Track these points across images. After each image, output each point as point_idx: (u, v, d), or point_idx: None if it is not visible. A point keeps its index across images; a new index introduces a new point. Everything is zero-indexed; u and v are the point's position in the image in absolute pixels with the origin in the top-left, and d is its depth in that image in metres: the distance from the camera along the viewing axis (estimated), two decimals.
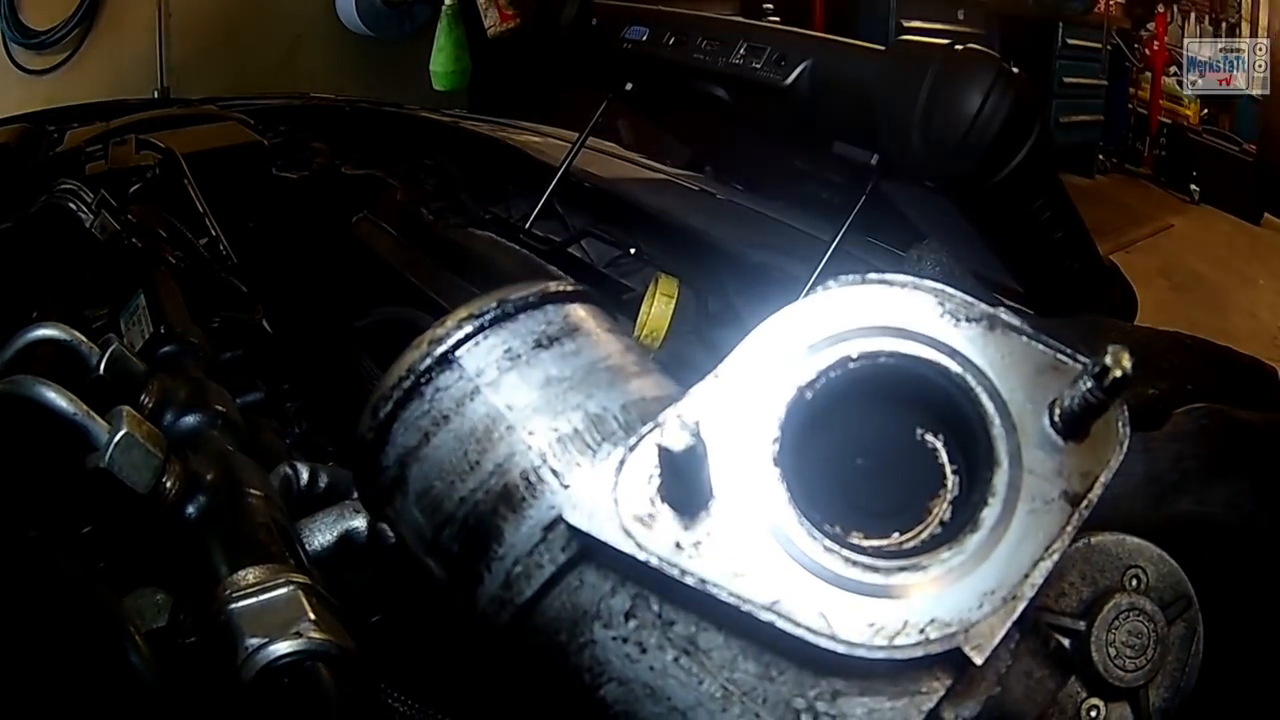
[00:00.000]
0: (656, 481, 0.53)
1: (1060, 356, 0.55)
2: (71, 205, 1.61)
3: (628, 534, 0.53)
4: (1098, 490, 0.53)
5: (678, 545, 0.52)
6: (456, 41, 5.80)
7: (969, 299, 0.57)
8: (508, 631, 0.60)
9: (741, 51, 1.98)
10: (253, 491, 0.94)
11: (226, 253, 1.92)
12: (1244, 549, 0.99)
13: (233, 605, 0.77)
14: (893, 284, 0.57)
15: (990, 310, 0.56)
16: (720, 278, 2.06)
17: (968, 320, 0.56)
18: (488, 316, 0.65)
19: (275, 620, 0.75)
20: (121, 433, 0.87)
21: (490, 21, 5.70)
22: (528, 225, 2.33)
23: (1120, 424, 0.54)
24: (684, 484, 0.52)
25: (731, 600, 0.51)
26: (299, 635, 0.74)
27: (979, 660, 0.49)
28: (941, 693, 0.52)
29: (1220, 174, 9.38)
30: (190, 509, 0.92)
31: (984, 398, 0.54)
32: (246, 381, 1.42)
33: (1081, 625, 0.92)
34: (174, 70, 5.52)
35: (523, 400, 0.63)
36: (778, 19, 2.51)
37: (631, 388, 0.65)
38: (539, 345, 0.65)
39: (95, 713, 0.72)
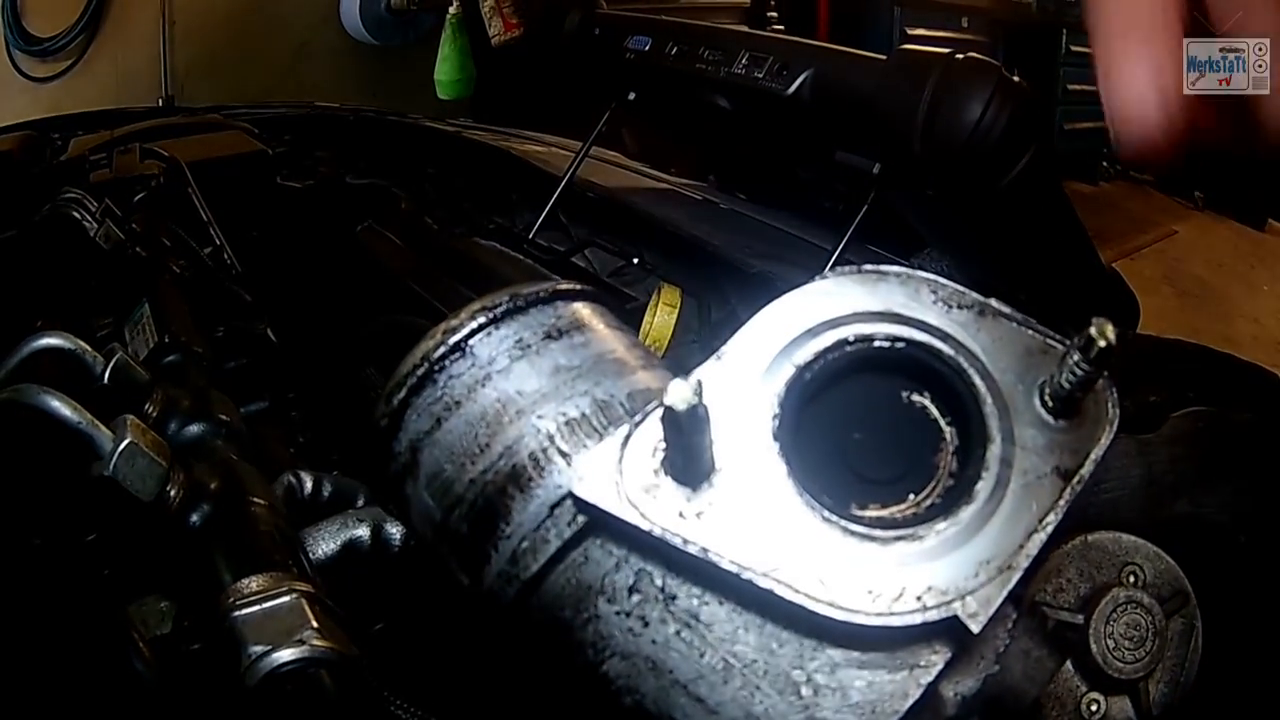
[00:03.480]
0: (660, 455, 0.55)
1: (1050, 340, 0.56)
2: (76, 214, 1.62)
3: (632, 504, 0.54)
4: (1089, 467, 0.53)
5: (680, 515, 0.53)
6: (461, 50, 5.80)
7: (960, 288, 0.58)
8: (513, 609, 0.61)
9: (744, 61, 1.98)
10: (256, 500, 0.95)
11: (231, 262, 1.92)
12: (1239, 549, 1.00)
13: (236, 613, 0.78)
14: (887, 274, 0.59)
15: (981, 298, 0.58)
16: (723, 287, 2.06)
17: (959, 307, 0.58)
18: (500, 309, 0.68)
19: (278, 628, 0.76)
20: (126, 441, 0.87)
21: (494, 31, 5.69)
22: (531, 235, 2.33)
23: (1110, 404, 0.55)
24: (686, 452, 0.53)
25: (732, 568, 0.52)
26: (302, 643, 0.74)
27: (975, 628, 0.50)
28: (940, 666, 0.53)
29: (1224, 180, 9.37)
30: (194, 517, 0.92)
31: (976, 378, 0.55)
32: (251, 391, 1.42)
33: (1080, 618, 0.94)
34: (178, 78, 5.52)
35: (532, 386, 0.65)
36: (782, 28, 2.52)
37: (637, 378, 0.68)
38: (548, 337, 0.68)
39: (100, 719, 0.73)
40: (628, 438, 0.56)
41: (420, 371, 0.67)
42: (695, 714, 0.55)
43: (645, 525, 0.54)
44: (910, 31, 7.88)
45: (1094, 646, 0.93)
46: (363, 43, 6.10)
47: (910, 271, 0.59)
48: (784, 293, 0.59)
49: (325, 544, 1.01)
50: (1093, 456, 0.54)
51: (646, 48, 2.22)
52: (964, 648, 0.55)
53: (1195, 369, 1.30)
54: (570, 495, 0.58)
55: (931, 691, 0.53)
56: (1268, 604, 0.98)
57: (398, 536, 1.03)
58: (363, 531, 1.02)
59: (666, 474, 0.55)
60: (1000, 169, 1.61)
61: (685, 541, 0.53)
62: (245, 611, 0.78)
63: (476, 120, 4.18)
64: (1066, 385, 0.53)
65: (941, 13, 8.31)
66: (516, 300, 0.69)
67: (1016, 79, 1.61)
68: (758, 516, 0.53)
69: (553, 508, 0.61)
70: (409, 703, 0.85)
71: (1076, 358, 0.53)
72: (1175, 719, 0.89)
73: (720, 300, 2.04)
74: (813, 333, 0.57)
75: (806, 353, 0.57)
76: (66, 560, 0.78)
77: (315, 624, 0.77)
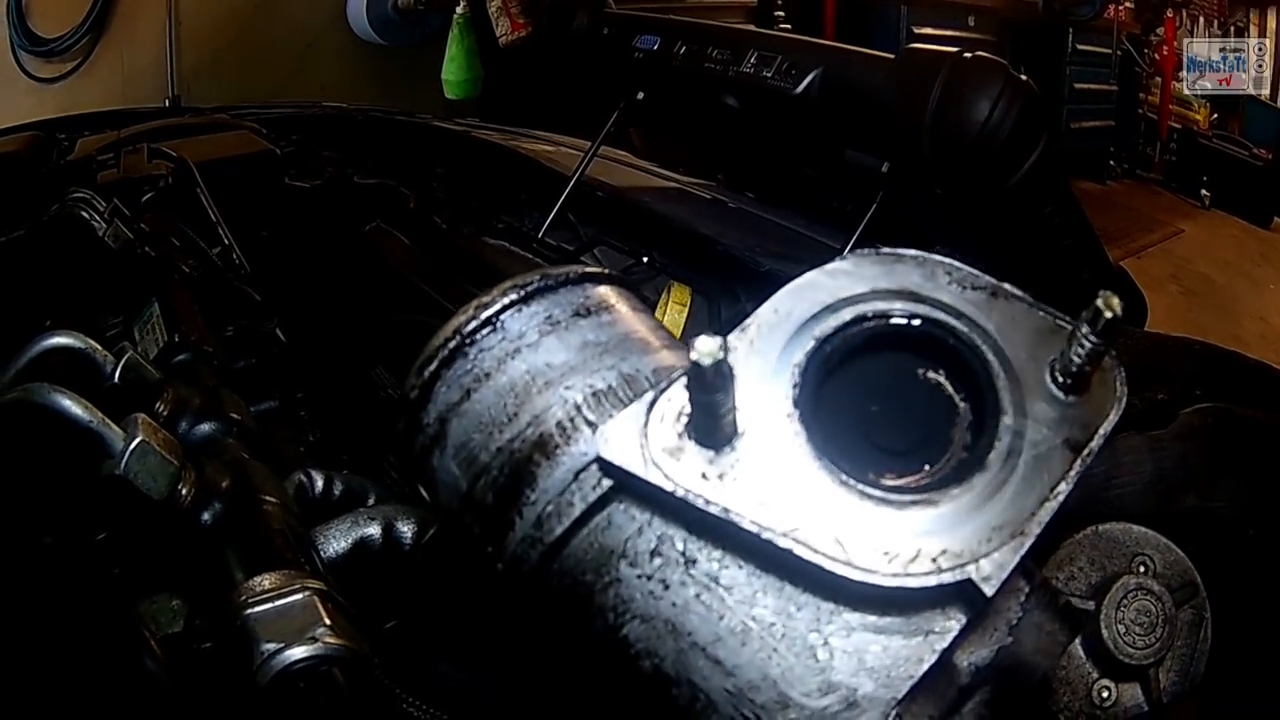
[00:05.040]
0: (685, 420, 0.56)
1: (1060, 321, 0.57)
2: (84, 214, 1.62)
3: (656, 465, 0.55)
4: (1098, 441, 0.54)
5: (703, 476, 0.54)
6: (468, 50, 5.81)
7: (974, 271, 0.60)
8: (535, 574, 0.62)
9: (752, 60, 1.98)
10: (268, 498, 0.95)
11: (240, 261, 1.92)
12: (1248, 542, 1.01)
13: (248, 611, 0.78)
14: (904, 256, 0.60)
15: (994, 281, 0.59)
16: (733, 285, 2.06)
17: (973, 288, 0.59)
18: (531, 287, 0.69)
19: (291, 626, 0.76)
20: (137, 440, 0.88)
21: (502, 30, 5.70)
22: (541, 234, 2.33)
23: (1118, 381, 0.56)
24: (709, 412, 0.54)
25: (752, 528, 0.53)
26: (314, 640, 0.74)
27: (989, 590, 0.51)
28: (954, 632, 0.54)
29: (1231, 178, 9.36)
30: (206, 516, 0.92)
31: (989, 354, 0.56)
32: (260, 390, 1.42)
33: (1091, 605, 0.95)
34: (184, 79, 5.52)
35: (560, 359, 0.66)
36: (789, 27, 2.52)
37: (662, 356, 0.69)
38: (577, 314, 0.69)
39: (111, 717, 0.73)
40: (653, 403, 0.57)
41: (452, 344, 0.68)
42: (713, 676, 0.56)
43: (668, 486, 0.55)
44: (917, 30, 7.88)
45: (1105, 632, 0.94)
46: (370, 43, 6.11)
47: (926, 255, 0.60)
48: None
49: (336, 542, 1.01)
50: (1102, 430, 0.55)
51: (655, 47, 2.22)
52: (978, 618, 0.55)
53: (1203, 367, 1.30)
54: (596, 459, 0.59)
55: (946, 658, 0.54)
56: (1273, 595, 0.99)
57: (409, 534, 1.03)
58: (374, 530, 1.02)
59: (690, 438, 0.56)
60: (1008, 167, 1.61)
61: (707, 502, 0.54)
62: (257, 609, 0.78)
63: (484, 120, 4.18)
64: (1076, 360, 0.55)
65: (948, 11, 8.32)
66: (547, 280, 0.70)
67: (1024, 78, 1.61)
68: (778, 479, 0.54)
69: (578, 473, 0.62)
70: (421, 700, 0.85)
71: (1085, 330, 0.54)
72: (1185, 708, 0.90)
73: (730, 299, 2.04)
74: (832, 309, 0.58)
75: (826, 327, 0.58)
76: (77, 558, 0.78)
77: (328, 621, 0.77)
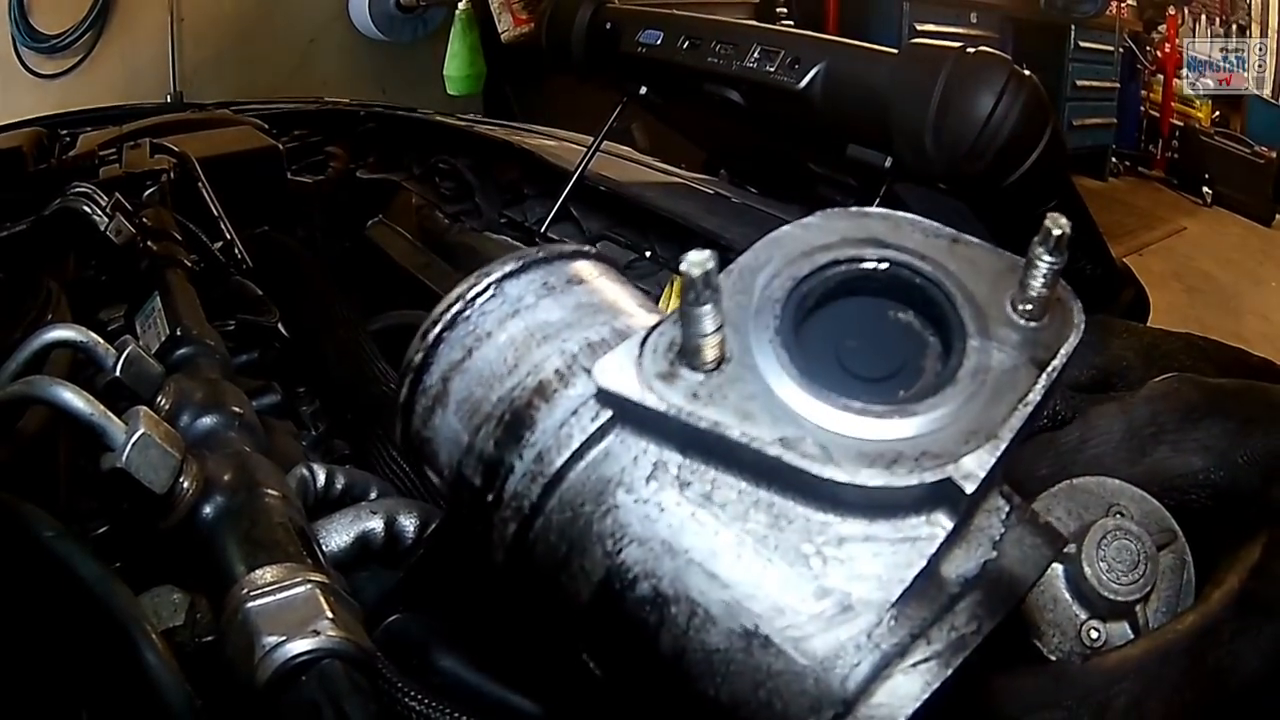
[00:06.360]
0: (677, 349, 0.60)
1: (1018, 261, 0.60)
2: (86, 208, 1.62)
3: (650, 390, 0.59)
4: (1061, 359, 0.58)
5: (695, 396, 0.58)
6: (470, 46, 5.80)
7: (937, 224, 0.65)
8: (535, 510, 0.65)
9: (755, 55, 1.97)
10: (270, 492, 0.95)
11: (242, 256, 1.92)
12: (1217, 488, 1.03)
13: (250, 604, 0.78)
14: (870, 212, 0.66)
15: (954, 232, 0.64)
16: None
17: (936, 237, 0.64)
18: (529, 258, 0.75)
19: (293, 619, 0.76)
20: (139, 433, 0.87)
21: (504, 26, 5.69)
22: (543, 229, 2.33)
23: (1075, 309, 0.60)
24: (699, 332, 0.58)
25: (742, 439, 0.56)
26: (316, 633, 0.74)
27: (969, 488, 0.53)
28: (940, 538, 0.56)
29: (1233, 176, 9.35)
30: (207, 509, 0.92)
31: (953, 287, 0.60)
32: (262, 384, 1.42)
33: (1072, 548, 0.99)
34: (186, 74, 5.53)
35: (557, 317, 0.72)
36: (791, 23, 2.51)
37: (651, 316, 0.74)
38: (570, 281, 0.75)
39: (112, 710, 0.73)
40: (647, 336, 0.62)
41: (456, 308, 0.73)
42: (710, 589, 0.58)
43: (662, 406, 0.58)
44: (919, 26, 7.88)
45: (1088, 569, 0.97)
46: (372, 39, 6.11)
47: (890, 211, 0.65)
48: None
49: (338, 536, 1.01)
50: (1063, 350, 0.58)
51: (658, 42, 2.21)
52: (962, 528, 0.57)
53: (1205, 364, 1.30)
54: (595, 393, 0.64)
55: (934, 565, 0.56)
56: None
57: (411, 529, 1.03)
58: (376, 524, 1.02)
59: (681, 363, 0.60)
60: (1011, 163, 1.61)
61: (699, 419, 0.57)
62: (259, 602, 0.78)
63: (487, 116, 4.18)
64: (1034, 285, 0.58)
65: (950, 8, 8.31)
66: (543, 252, 0.76)
67: (1027, 73, 1.61)
68: (764, 396, 0.57)
69: (575, 410, 0.66)
70: (422, 693, 0.85)
71: (1039, 251, 0.57)
72: None
73: None
74: (807, 255, 0.63)
75: (801, 269, 0.62)
76: (80, 551, 0.78)
77: (330, 614, 0.77)
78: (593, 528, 0.62)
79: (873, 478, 0.54)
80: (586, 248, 0.79)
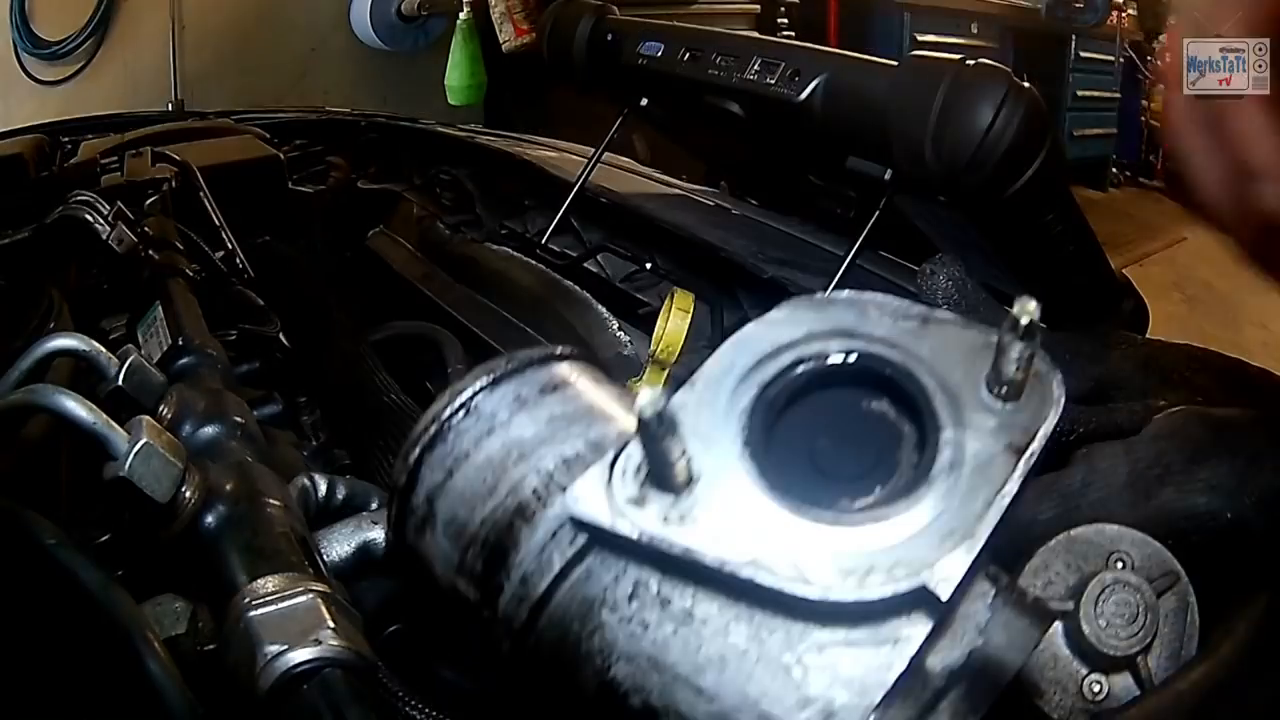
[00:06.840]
0: (644, 472, 0.59)
1: (991, 338, 0.60)
2: (87, 217, 1.62)
3: (622, 515, 0.59)
4: (1038, 442, 0.57)
5: (665, 520, 0.57)
6: (471, 56, 5.81)
7: (905, 303, 0.63)
8: (526, 630, 0.66)
9: (755, 67, 1.97)
10: (272, 501, 0.95)
11: (243, 266, 1.93)
12: (1227, 527, 1.02)
13: (251, 613, 0.78)
14: (835, 300, 0.64)
15: (925, 310, 0.63)
16: (735, 292, 2.06)
17: (905, 319, 0.63)
18: (499, 371, 0.75)
19: (294, 628, 0.76)
20: (141, 442, 0.88)
21: (505, 36, 5.70)
22: (544, 240, 2.33)
23: (1054, 384, 0.59)
24: (663, 459, 0.57)
25: (715, 562, 0.56)
26: (318, 643, 0.75)
27: (944, 594, 0.53)
28: (920, 638, 0.55)
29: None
30: (209, 518, 0.93)
31: (923, 375, 0.59)
32: (264, 394, 1.43)
33: (1070, 605, 0.97)
34: (188, 83, 5.53)
35: (531, 434, 0.72)
36: (793, 34, 2.52)
37: (625, 422, 0.74)
38: (543, 391, 0.75)
39: (115, 718, 0.73)
40: (614, 460, 0.61)
41: (432, 430, 0.74)
42: (696, 703, 0.58)
43: (634, 533, 0.58)
44: (919, 38, 7.89)
45: (1086, 628, 0.96)
46: (373, 48, 6.12)
47: (856, 295, 0.64)
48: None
49: (339, 546, 1.01)
50: (1042, 432, 0.57)
51: (659, 53, 2.21)
52: (944, 622, 0.57)
53: (1205, 375, 1.30)
54: (569, 519, 0.63)
55: (917, 663, 0.56)
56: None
57: None
58: (377, 534, 1.02)
59: (651, 486, 0.59)
60: (1011, 174, 1.61)
61: (670, 544, 0.57)
62: (261, 611, 0.78)
63: (488, 126, 4.19)
64: (1008, 369, 0.57)
65: (951, 19, 8.33)
66: (513, 363, 0.76)
67: (1027, 85, 1.61)
68: (734, 515, 0.57)
69: (554, 533, 0.66)
70: (424, 703, 0.85)
71: (1008, 338, 0.56)
72: None
73: (733, 305, 2.04)
74: (772, 356, 0.62)
75: (767, 373, 0.62)
76: (81, 560, 0.78)
77: (331, 624, 0.77)
78: (581, 646, 0.63)
79: (846, 592, 0.53)
80: (558, 349, 0.80)
